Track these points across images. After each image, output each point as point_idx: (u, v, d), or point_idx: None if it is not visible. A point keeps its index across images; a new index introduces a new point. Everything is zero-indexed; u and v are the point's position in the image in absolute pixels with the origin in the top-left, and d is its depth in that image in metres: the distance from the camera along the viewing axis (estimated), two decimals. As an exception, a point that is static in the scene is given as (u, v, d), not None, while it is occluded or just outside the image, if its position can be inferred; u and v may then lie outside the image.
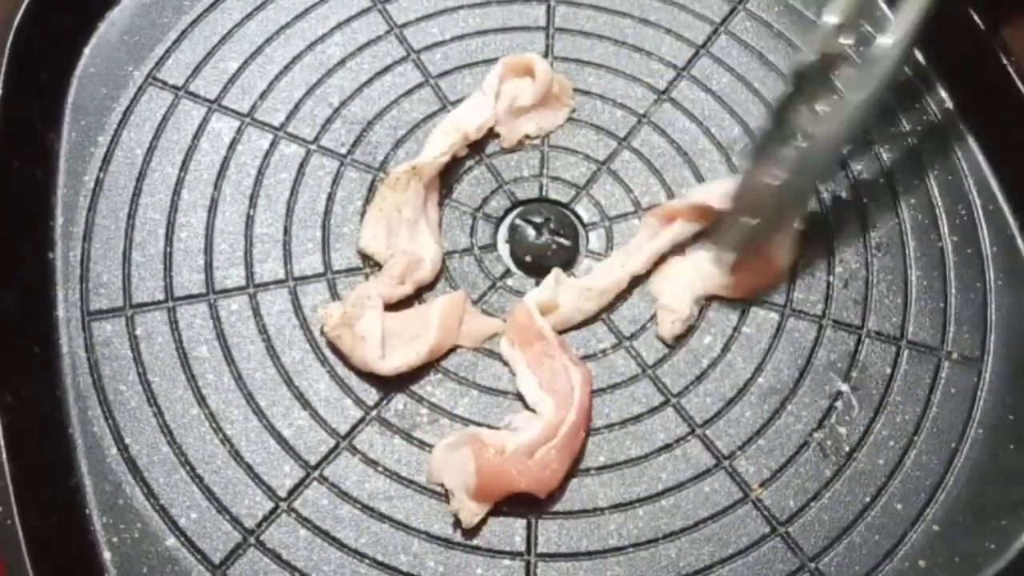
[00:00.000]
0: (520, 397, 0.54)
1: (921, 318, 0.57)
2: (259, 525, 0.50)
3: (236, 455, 0.51)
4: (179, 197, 0.58)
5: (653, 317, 0.56)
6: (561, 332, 0.55)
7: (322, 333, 0.54)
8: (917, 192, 0.61)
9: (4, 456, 0.46)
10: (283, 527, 0.50)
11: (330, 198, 0.59)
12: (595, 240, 0.59)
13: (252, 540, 0.49)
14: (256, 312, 0.55)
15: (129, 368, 0.53)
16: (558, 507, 0.51)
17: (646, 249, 0.57)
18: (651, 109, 0.63)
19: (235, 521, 0.49)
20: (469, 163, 0.61)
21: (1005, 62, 0.59)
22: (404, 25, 0.65)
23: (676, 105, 0.63)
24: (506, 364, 0.55)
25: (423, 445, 0.52)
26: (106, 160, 0.59)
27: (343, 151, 0.60)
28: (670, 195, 0.60)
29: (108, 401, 0.52)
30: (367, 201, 0.59)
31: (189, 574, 0.48)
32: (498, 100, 0.61)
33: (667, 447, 0.53)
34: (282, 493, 0.50)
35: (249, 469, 0.51)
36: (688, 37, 0.66)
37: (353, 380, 0.54)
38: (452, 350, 0.55)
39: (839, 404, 0.54)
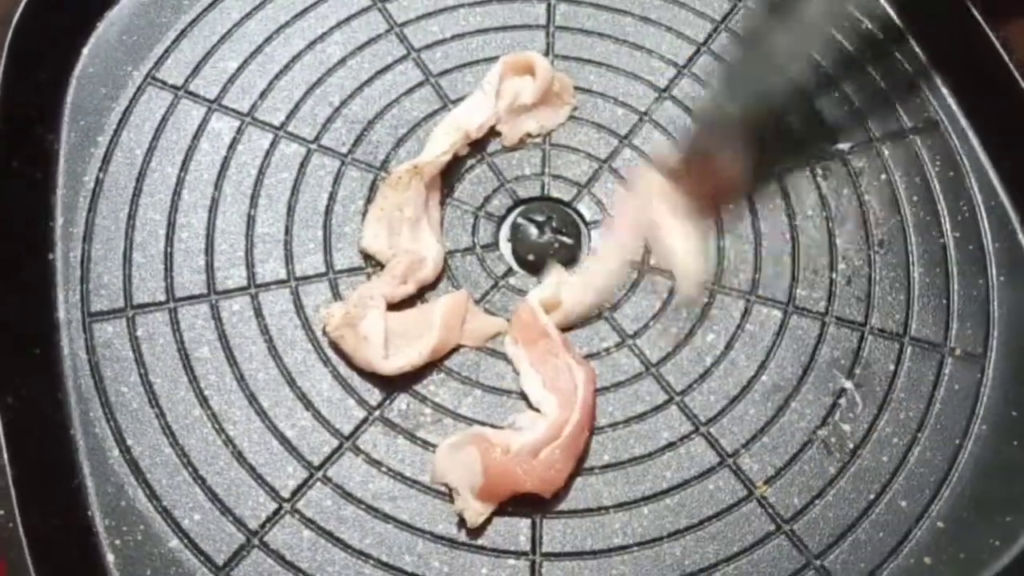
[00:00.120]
0: (523, 396, 0.53)
1: (924, 315, 0.57)
2: (263, 526, 0.49)
3: (239, 456, 0.51)
4: (179, 197, 0.58)
5: (656, 316, 0.56)
6: (565, 330, 0.55)
7: (324, 333, 0.54)
8: (919, 189, 0.61)
9: (5, 458, 0.46)
10: (287, 528, 0.49)
11: (331, 198, 0.59)
12: (597, 238, 0.59)
13: (256, 541, 0.49)
14: (258, 312, 0.55)
15: (131, 369, 0.53)
16: (562, 506, 0.51)
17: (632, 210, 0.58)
18: (652, 107, 0.63)
19: (238, 522, 0.49)
20: (470, 162, 0.61)
21: (1006, 58, 0.59)
22: (404, 24, 0.65)
23: (677, 103, 0.63)
24: (509, 363, 0.54)
25: (427, 445, 0.52)
26: (106, 160, 0.59)
27: (344, 150, 0.60)
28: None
29: (110, 402, 0.52)
30: (368, 200, 0.59)
31: (193, 576, 0.48)
32: (499, 99, 0.61)
33: (671, 445, 0.53)
34: (285, 494, 0.50)
35: (252, 470, 0.51)
36: (689, 35, 0.66)
37: (356, 380, 0.53)
38: (455, 350, 0.55)
39: (843, 401, 0.54)
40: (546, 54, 0.64)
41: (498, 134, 0.62)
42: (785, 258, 0.58)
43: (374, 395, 0.53)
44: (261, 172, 0.59)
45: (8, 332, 0.51)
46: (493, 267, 0.58)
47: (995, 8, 0.61)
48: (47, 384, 0.52)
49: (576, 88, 0.64)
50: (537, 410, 0.53)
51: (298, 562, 0.49)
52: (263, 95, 0.62)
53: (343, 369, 0.54)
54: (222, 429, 0.52)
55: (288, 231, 0.57)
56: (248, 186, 0.58)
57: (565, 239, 0.58)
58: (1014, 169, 0.60)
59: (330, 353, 0.54)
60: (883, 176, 0.61)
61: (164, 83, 0.61)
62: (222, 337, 0.54)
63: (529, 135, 0.62)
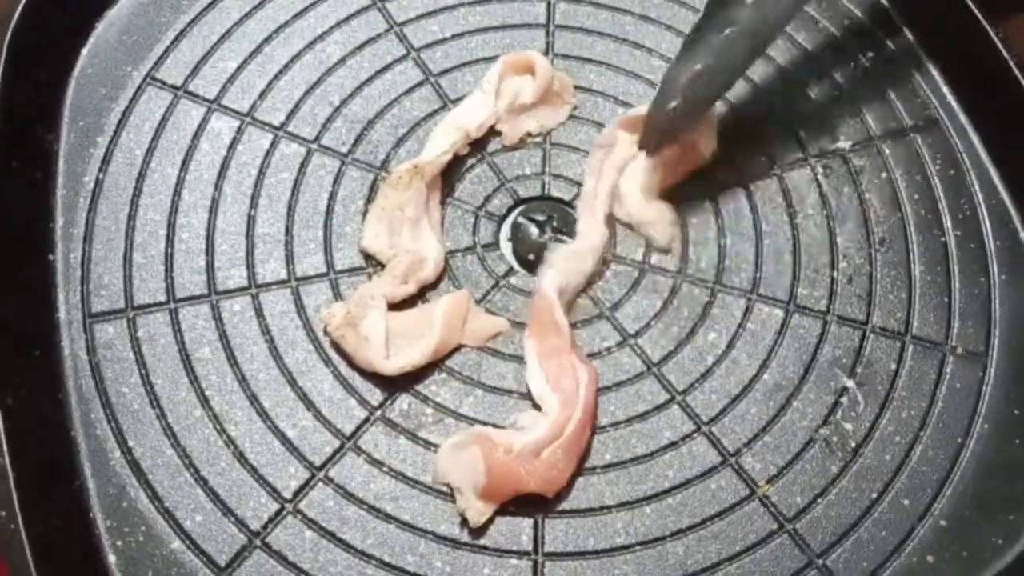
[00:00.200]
0: (524, 396, 0.53)
1: (925, 313, 0.57)
2: (265, 527, 0.49)
3: (240, 457, 0.51)
4: (179, 198, 0.58)
5: (657, 314, 0.56)
6: (573, 319, 0.55)
7: (325, 333, 0.54)
8: (919, 187, 0.61)
9: (7, 460, 0.45)
10: (289, 529, 0.49)
11: (331, 197, 0.59)
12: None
13: (258, 542, 0.49)
14: (259, 313, 0.55)
15: (131, 370, 0.53)
16: (565, 506, 0.51)
17: (605, 171, 0.59)
18: (653, 106, 0.63)
19: (240, 523, 0.49)
20: (471, 161, 0.61)
21: (1006, 56, 0.59)
22: (404, 23, 0.65)
23: (677, 102, 0.63)
24: (510, 362, 0.54)
25: (428, 445, 0.52)
26: (105, 161, 0.58)
27: (344, 150, 0.60)
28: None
29: (111, 403, 0.52)
30: (369, 200, 0.58)
31: (195, 577, 0.48)
32: (499, 98, 0.61)
33: (673, 445, 0.53)
34: (287, 494, 0.50)
35: (254, 471, 0.50)
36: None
37: (357, 380, 0.53)
38: (456, 349, 0.55)
39: (844, 400, 0.54)
40: (546, 53, 0.64)
41: (498, 133, 0.61)
42: (786, 257, 0.58)
43: (375, 395, 0.53)
44: (261, 172, 0.59)
45: (8, 333, 0.51)
46: (494, 267, 0.58)
47: (995, 5, 0.61)
48: (48, 385, 0.51)
49: (576, 87, 0.63)
50: (538, 408, 0.53)
51: (300, 563, 0.49)
52: (263, 95, 0.61)
53: (344, 369, 0.54)
54: (223, 430, 0.51)
55: (288, 231, 0.57)
56: (248, 186, 0.58)
57: (566, 238, 0.58)
58: (1015, 167, 0.60)
59: (331, 353, 0.54)
60: (884, 174, 0.61)
61: (164, 83, 0.61)
62: (223, 337, 0.54)
63: (529, 134, 0.62)
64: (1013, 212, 0.60)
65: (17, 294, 0.53)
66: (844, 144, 0.62)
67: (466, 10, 0.65)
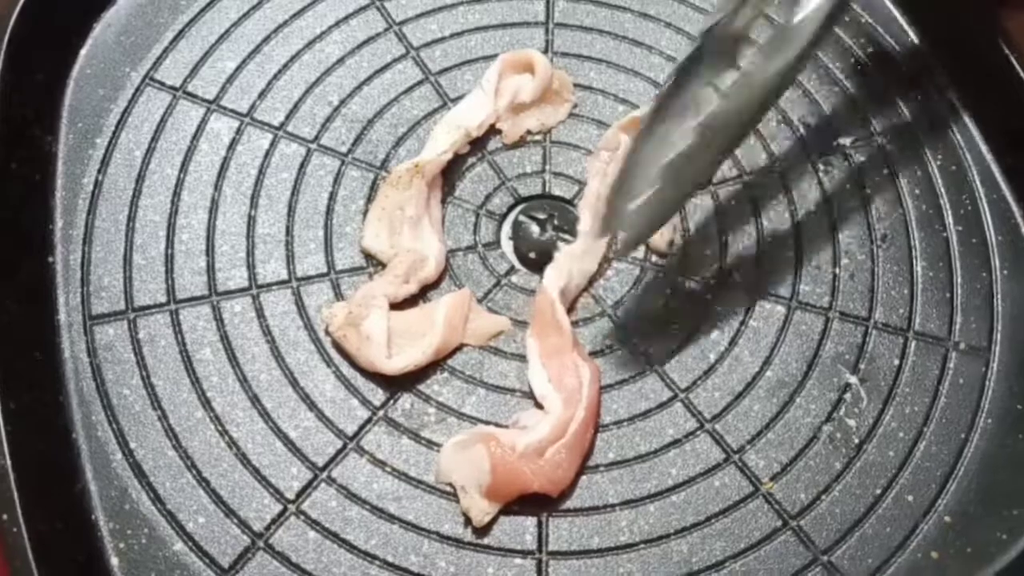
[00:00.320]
0: (527, 395, 0.53)
1: (928, 309, 0.57)
2: (267, 528, 0.49)
3: (243, 458, 0.51)
4: (179, 198, 0.58)
5: (658, 312, 0.56)
6: (574, 317, 0.55)
7: (327, 333, 0.54)
8: (921, 183, 0.61)
9: (8, 462, 0.45)
10: (292, 530, 0.49)
11: (332, 197, 0.58)
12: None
13: (261, 543, 0.49)
14: (260, 313, 0.55)
15: (132, 372, 0.52)
16: (568, 504, 0.50)
17: (610, 171, 0.58)
18: (653, 103, 0.63)
19: (243, 524, 0.49)
20: (471, 160, 0.60)
21: (1007, 51, 0.59)
22: (403, 22, 0.64)
23: (677, 99, 0.63)
24: (512, 361, 0.54)
25: (431, 444, 0.52)
26: (105, 162, 0.58)
27: (344, 150, 0.60)
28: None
29: (112, 405, 0.51)
30: (369, 200, 0.58)
31: (198, 579, 0.48)
32: (499, 97, 0.61)
33: (676, 442, 0.52)
34: (290, 495, 0.50)
35: (256, 472, 0.50)
36: (688, 31, 0.65)
37: (359, 380, 0.53)
38: (458, 349, 0.54)
39: (848, 396, 0.54)
40: (545, 51, 0.64)
41: (498, 132, 0.61)
42: (788, 253, 0.58)
43: (377, 395, 0.53)
44: (261, 172, 0.59)
45: (9, 336, 0.51)
46: (495, 265, 0.58)
47: (996, 1, 0.61)
48: (49, 387, 0.51)
49: (576, 85, 0.63)
50: (540, 406, 0.52)
51: (304, 564, 0.48)
52: (262, 95, 0.61)
53: (346, 369, 0.53)
54: (225, 431, 0.51)
55: (289, 231, 0.57)
56: (248, 186, 0.58)
57: (567, 237, 0.58)
58: (1016, 162, 0.60)
59: (333, 353, 0.54)
60: (885, 171, 0.61)
61: (162, 84, 0.61)
62: (224, 338, 0.54)
63: (529, 133, 0.62)
64: (1014, 207, 0.60)
65: (17, 296, 0.52)
66: (845, 140, 0.62)
67: (465, 9, 0.65)
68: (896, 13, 0.67)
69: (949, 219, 0.59)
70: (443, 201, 0.59)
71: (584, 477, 0.51)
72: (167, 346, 0.53)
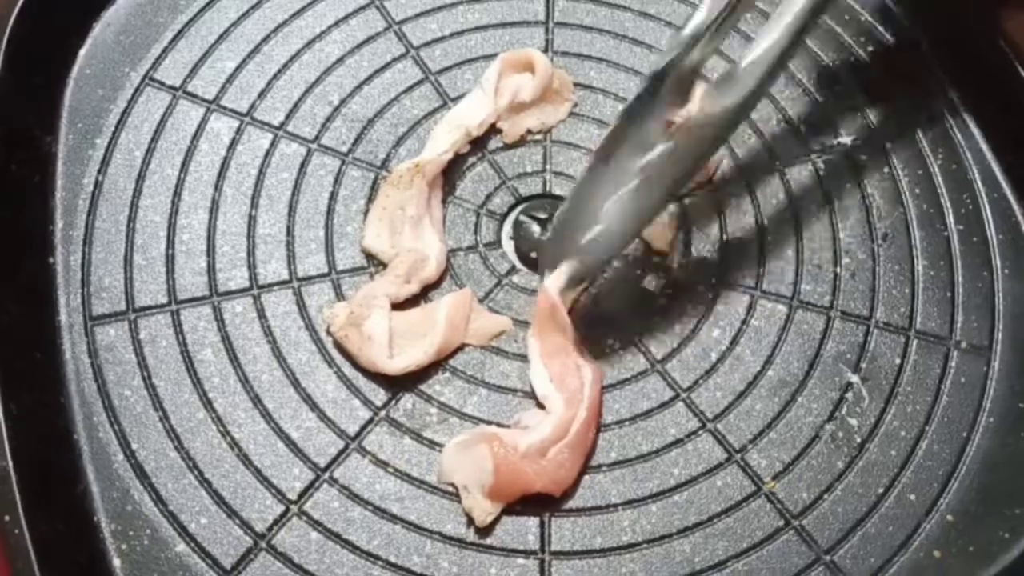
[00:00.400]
0: (529, 395, 0.53)
1: (929, 308, 0.57)
2: (270, 529, 0.49)
3: (244, 459, 0.50)
4: (180, 199, 0.57)
5: (660, 311, 0.56)
6: (574, 317, 0.55)
7: (328, 333, 0.54)
8: (921, 182, 0.61)
9: (10, 464, 0.45)
10: (294, 530, 0.49)
11: (332, 197, 0.58)
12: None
13: (263, 544, 0.49)
14: (261, 314, 0.54)
15: (133, 373, 0.52)
16: (571, 504, 0.50)
17: None
18: (653, 102, 0.63)
19: (245, 525, 0.49)
20: (471, 160, 0.60)
21: (1007, 50, 0.59)
22: (403, 21, 0.64)
23: (678, 98, 0.63)
24: (514, 361, 0.54)
25: (433, 445, 0.52)
26: (104, 163, 0.58)
27: (344, 149, 0.60)
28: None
29: (113, 407, 0.51)
30: (370, 200, 0.58)
31: (200, 580, 0.48)
32: (499, 96, 0.61)
33: (678, 442, 0.52)
34: (292, 496, 0.50)
35: (258, 472, 0.50)
36: (688, 29, 0.65)
37: (361, 380, 0.53)
38: (459, 349, 0.54)
39: (849, 395, 0.54)
40: (545, 50, 0.64)
41: (499, 131, 0.61)
42: (789, 252, 0.58)
43: (379, 395, 0.53)
44: (261, 172, 0.59)
45: (9, 337, 0.50)
46: (496, 265, 0.57)
47: (996, 1, 0.61)
48: (50, 389, 0.51)
49: (576, 84, 0.63)
50: (542, 406, 0.52)
51: (306, 564, 0.48)
52: (262, 95, 0.61)
53: (348, 369, 0.53)
54: (227, 432, 0.51)
55: (290, 231, 0.57)
56: (248, 186, 0.58)
57: (568, 236, 0.58)
58: (1016, 161, 0.60)
59: (334, 353, 0.54)
60: (885, 169, 0.61)
61: (162, 84, 0.61)
62: (225, 339, 0.54)
63: (530, 132, 0.62)
64: (1015, 206, 0.60)
65: (17, 297, 0.52)
66: (845, 139, 0.62)
67: (465, 8, 0.65)
68: (896, 11, 0.67)
69: (950, 218, 0.59)
70: (444, 201, 0.59)
71: (586, 477, 0.51)
72: (168, 347, 0.53)
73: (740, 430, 0.53)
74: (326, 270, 0.56)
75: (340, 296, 0.55)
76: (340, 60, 0.63)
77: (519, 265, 0.58)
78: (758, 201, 0.60)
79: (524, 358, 0.54)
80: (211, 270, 0.55)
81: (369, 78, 0.62)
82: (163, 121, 0.60)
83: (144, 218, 0.57)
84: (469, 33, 0.64)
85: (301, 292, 0.55)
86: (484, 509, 0.49)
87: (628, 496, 0.51)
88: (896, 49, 0.66)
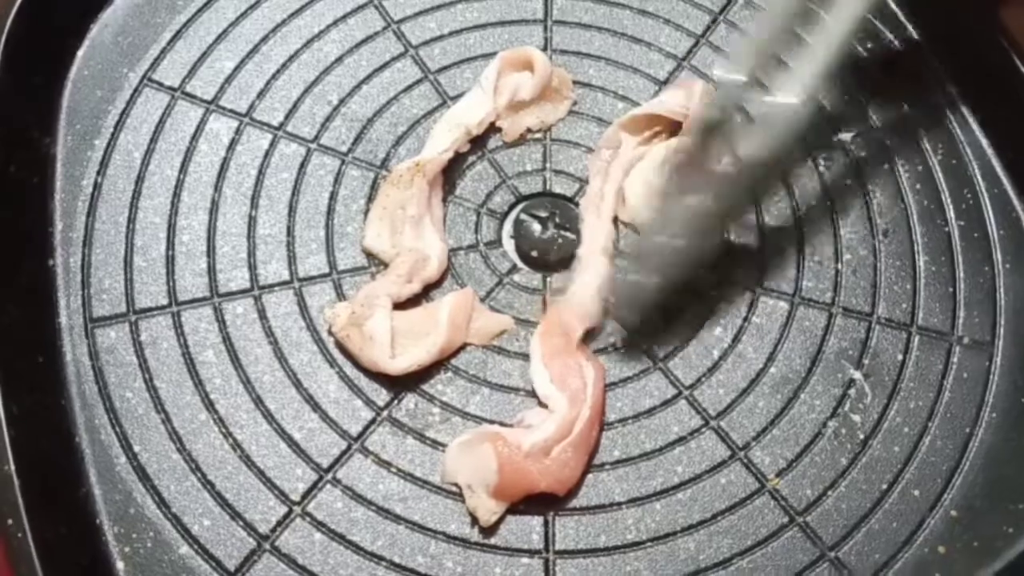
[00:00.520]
0: (531, 393, 0.53)
1: (931, 303, 0.57)
2: (273, 530, 0.49)
3: (247, 460, 0.50)
4: (179, 200, 0.57)
5: (662, 309, 0.56)
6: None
7: (330, 333, 0.54)
8: (922, 178, 0.61)
9: (12, 467, 0.45)
10: (297, 531, 0.49)
11: (332, 197, 0.58)
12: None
13: (267, 546, 0.48)
14: (262, 314, 0.54)
15: (135, 374, 0.52)
16: (575, 503, 0.50)
17: (612, 172, 0.59)
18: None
19: (249, 527, 0.49)
20: (471, 159, 0.60)
21: (1006, 45, 0.59)
22: (401, 21, 0.64)
23: (677, 95, 0.63)
24: (516, 360, 0.54)
25: (436, 444, 0.51)
26: (104, 164, 0.58)
27: (344, 149, 0.60)
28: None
29: (115, 409, 0.51)
30: (370, 199, 0.58)
31: (204, 582, 0.48)
32: (498, 95, 0.61)
33: (681, 440, 0.52)
34: (295, 497, 0.50)
35: (261, 474, 0.50)
36: (687, 27, 0.65)
37: (363, 381, 0.53)
38: (461, 348, 0.54)
39: (852, 392, 0.54)
40: (544, 49, 0.64)
41: (498, 130, 0.61)
42: (790, 249, 0.58)
43: (381, 395, 0.53)
44: (261, 173, 0.58)
45: (10, 339, 0.50)
46: (497, 264, 0.57)
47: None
48: (51, 391, 0.51)
49: (575, 82, 0.63)
50: (545, 405, 0.52)
51: (310, 566, 0.48)
52: (261, 95, 0.61)
53: (349, 370, 0.53)
54: (229, 433, 0.51)
55: (290, 232, 0.57)
56: (248, 187, 0.58)
57: (568, 235, 0.58)
58: (1016, 156, 0.60)
59: (336, 354, 0.53)
60: (886, 165, 0.61)
61: (160, 84, 0.61)
62: (226, 340, 0.53)
63: (530, 131, 0.62)
64: (1015, 201, 0.60)
65: (17, 299, 0.52)
66: (845, 135, 0.62)
67: (463, 6, 0.65)
68: (895, 8, 0.67)
69: (951, 214, 0.59)
70: (444, 200, 0.59)
71: (590, 476, 0.51)
72: (169, 348, 0.53)
73: (743, 427, 0.53)
74: (327, 270, 0.56)
75: (341, 296, 0.55)
76: (339, 60, 0.62)
77: (520, 264, 0.58)
78: (759, 198, 0.60)
79: (526, 357, 0.54)
80: (211, 271, 0.55)
81: (368, 77, 0.62)
82: (162, 122, 0.60)
83: (144, 219, 0.56)
84: (468, 32, 0.64)
85: (302, 292, 0.55)
86: (488, 509, 0.49)
87: (632, 494, 0.51)
88: (895, 45, 0.66)
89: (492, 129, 0.61)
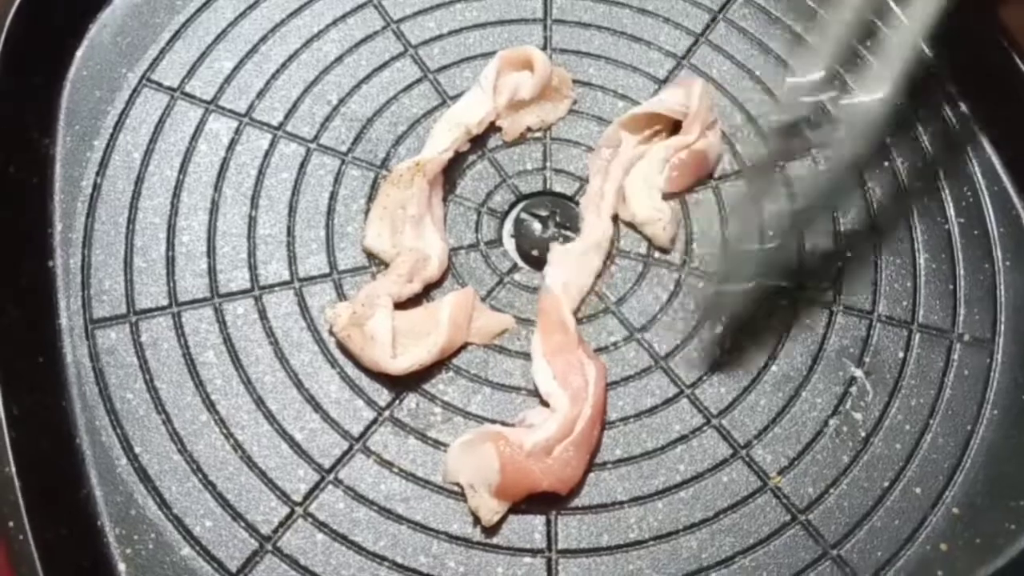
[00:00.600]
0: (533, 393, 0.53)
1: (931, 301, 0.57)
2: (275, 531, 0.49)
3: (249, 461, 0.50)
4: (179, 200, 0.57)
5: (663, 307, 0.56)
6: (579, 315, 0.55)
7: (331, 334, 0.54)
8: (922, 176, 0.61)
9: (13, 469, 0.45)
10: (300, 532, 0.49)
11: (332, 197, 0.58)
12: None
13: (269, 547, 0.48)
14: (262, 315, 0.54)
15: (135, 376, 0.52)
16: (577, 502, 0.50)
17: (612, 171, 0.59)
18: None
19: (251, 528, 0.49)
20: (471, 158, 0.60)
21: (1006, 43, 0.59)
22: (401, 20, 0.64)
23: (677, 94, 0.63)
24: (517, 360, 0.54)
25: (438, 444, 0.51)
26: (103, 165, 0.58)
27: (344, 149, 0.59)
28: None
29: (115, 410, 0.51)
30: (370, 199, 0.58)
31: (206, 583, 0.48)
32: (497, 94, 0.61)
33: (683, 438, 0.52)
34: (297, 498, 0.50)
35: (262, 475, 0.50)
36: (686, 25, 0.65)
37: (364, 381, 0.53)
38: (463, 347, 0.54)
39: (853, 390, 0.54)
40: (544, 48, 0.64)
41: (498, 129, 0.61)
42: (790, 247, 0.58)
43: (383, 395, 0.53)
44: (261, 173, 0.58)
45: (10, 340, 0.50)
46: (498, 263, 0.57)
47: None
48: (51, 392, 0.51)
49: (575, 81, 0.63)
50: (546, 404, 0.52)
51: (312, 566, 0.48)
52: (260, 95, 0.61)
53: (351, 370, 0.53)
54: (230, 434, 0.51)
55: (290, 232, 0.57)
56: (248, 187, 0.58)
57: (569, 234, 0.58)
58: (1016, 153, 0.60)
59: (337, 354, 0.53)
60: (885, 163, 0.61)
61: (159, 85, 0.61)
62: (227, 340, 0.53)
63: (530, 130, 0.61)
64: (1015, 198, 0.60)
65: (17, 300, 0.52)
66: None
67: (463, 6, 0.65)
68: (895, 6, 0.67)
69: (951, 211, 0.60)
70: (444, 199, 0.59)
71: (592, 475, 0.51)
72: (170, 349, 0.53)
73: (745, 426, 0.53)
74: (327, 270, 0.56)
75: (342, 296, 0.55)
76: (338, 59, 0.62)
77: (520, 263, 0.58)
78: (759, 196, 0.59)
79: (527, 356, 0.54)
80: (212, 272, 0.55)
81: (368, 77, 0.62)
82: (161, 122, 0.59)
83: (144, 220, 0.56)
84: (467, 31, 0.64)
85: (303, 293, 0.55)
86: (490, 508, 0.49)
87: (634, 493, 0.51)
88: (894, 43, 0.65)
89: (492, 128, 0.61)
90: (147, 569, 0.47)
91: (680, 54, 0.64)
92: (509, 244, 0.58)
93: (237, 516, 0.49)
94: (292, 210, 0.57)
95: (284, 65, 0.62)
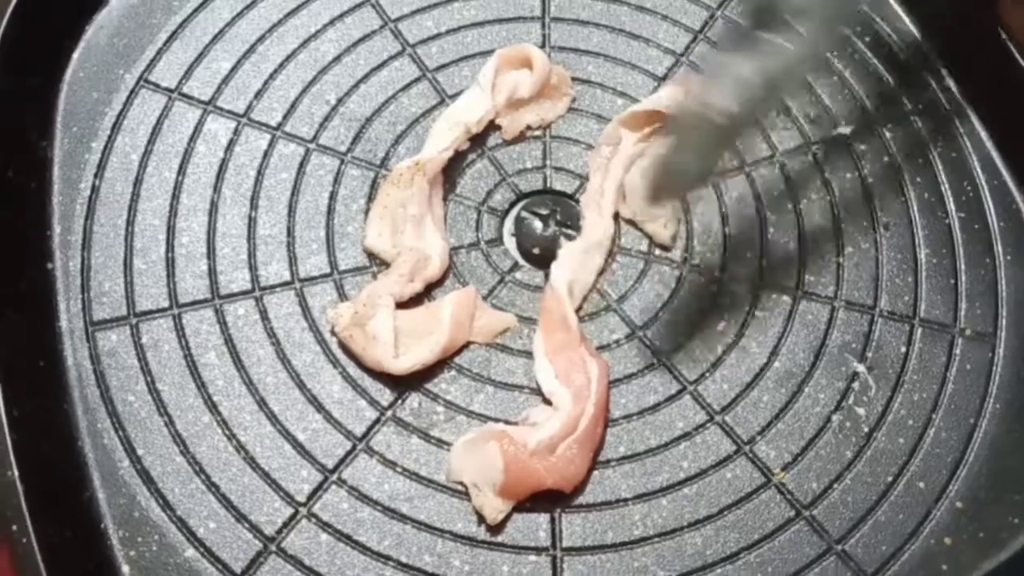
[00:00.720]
0: (535, 391, 0.53)
1: (933, 296, 0.57)
2: (279, 532, 0.49)
3: (251, 462, 0.50)
4: (178, 201, 0.57)
5: (665, 305, 0.56)
6: (580, 313, 0.55)
7: (332, 334, 0.53)
8: (922, 171, 0.61)
9: (16, 473, 0.45)
10: (303, 533, 0.49)
11: (332, 197, 0.58)
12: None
13: (273, 547, 0.48)
14: (263, 316, 0.54)
15: (137, 378, 0.52)
16: (581, 500, 0.50)
17: (612, 168, 0.59)
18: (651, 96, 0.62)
19: (254, 529, 0.49)
20: (471, 157, 0.60)
21: (1004, 37, 0.59)
22: (398, 19, 0.64)
23: (676, 91, 0.63)
24: (520, 358, 0.54)
25: (441, 443, 0.51)
26: (101, 166, 0.57)
27: (343, 149, 0.59)
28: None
29: (117, 412, 0.51)
30: (370, 199, 0.58)
31: (210, 585, 0.47)
32: (496, 92, 0.61)
33: (686, 435, 0.52)
34: (300, 498, 0.49)
35: (266, 475, 0.50)
36: (685, 23, 0.65)
37: (366, 381, 0.53)
38: (465, 347, 0.54)
39: (856, 385, 0.54)
40: (542, 46, 0.64)
41: (498, 128, 0.61)
42: (791, 244, 0.58)
43: (385, 395, 0.53)
44: (260, 173, 0.58)
45: (11, 344, 0.50)
46: (499, 262, 0.57)
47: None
48: (52, 395, 0.51)
49: (574, 79, 0.63)
50: (549, 402, 0.52)
51: (317, 567, 0.48)
52: (258, 95, 0.61)
53: (353, 370, 0.53)
54: (233, 435, 0.51)
55: (290, 232, 0.57)
56: (247, 188, 0.58)
57: (570, 232, 0.58)
58: (1016, 148, 0.60)
59: (339, 354, 0.53)
60: (885, 158, 0.61)
61: (157, 86, 0.60)
62: (228, 342, 0.53)
63: (529, 128, 0.61)
64: (1015, 192, 0.60)
65: (17, 304, 0.52)
66: (845, 129, 0.62)
67: (460, 4, 0.65)
68: (894, 2, 0.67)
69: (951, 206, 0.60)
70: (444, 198, 0.59)
71: (595, 472, 0.51)
72: (171, 351, 0.53)
73: (748, 422, 0.53)
74: (328, 270, 0.56)
75: (343, 296, 0.55)
76: (336, 59, 0.62)
77: (522, 261, 0.58)
78: (759, 193, 0.60)
79: (529, 355, 0.54)
80: (212, 273, 0.55)
81: (366, 76, 0.62)
82: (159, 123, 0.59)
83: (143, 222, 0.56)
84: (465, 30, 0.64)
85: (303, 293, 0.55)
86: (495, 507, 0.49)
87: (638, 490, 0.51)
88: (893, 39, 0.66)
89: (491, 127, 0.61)
90: (151, 571, 0.47)
91: (679, 51, 0.64)
92: (510, 243, 0.58)
93: (241, 517, 0.49)
94: (292, 210, 0.57)
95: (282, 65, 0.62)
